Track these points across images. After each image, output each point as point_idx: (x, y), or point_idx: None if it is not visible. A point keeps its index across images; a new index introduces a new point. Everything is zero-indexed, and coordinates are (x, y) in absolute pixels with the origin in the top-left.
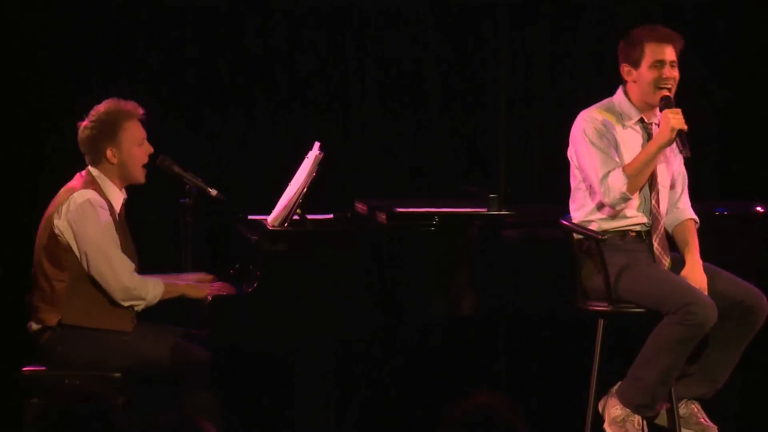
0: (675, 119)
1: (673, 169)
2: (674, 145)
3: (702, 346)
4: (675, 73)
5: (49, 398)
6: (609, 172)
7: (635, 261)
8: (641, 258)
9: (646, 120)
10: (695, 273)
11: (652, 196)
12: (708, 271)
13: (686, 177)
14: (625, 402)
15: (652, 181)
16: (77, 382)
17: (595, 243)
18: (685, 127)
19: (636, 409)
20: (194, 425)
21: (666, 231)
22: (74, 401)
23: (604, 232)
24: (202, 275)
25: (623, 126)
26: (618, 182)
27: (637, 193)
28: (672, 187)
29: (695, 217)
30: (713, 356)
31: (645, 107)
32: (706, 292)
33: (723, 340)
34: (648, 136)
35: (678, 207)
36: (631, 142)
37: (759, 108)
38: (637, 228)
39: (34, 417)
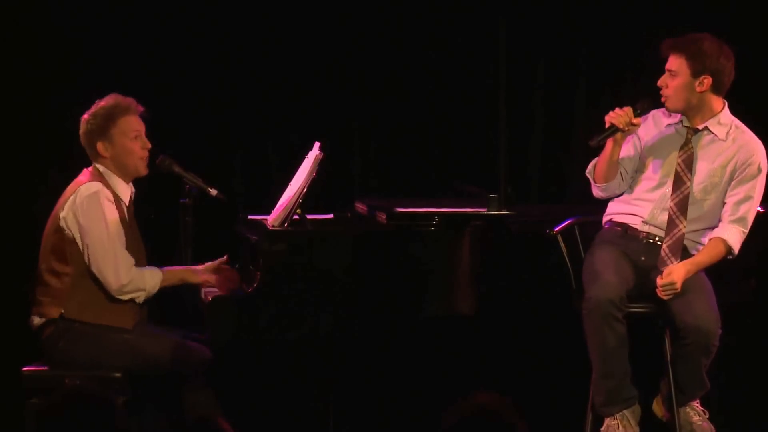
0: (612, 113)
1: (720, 185)
2: (731, 161)
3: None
4: (663, 82)
5: (49, 398)
6: None
7: (608, 251)
8: (628, 252)
9: (687, 122)
10: (670, 274)
11: (672, 197)
12: (690, 287)
13: (747, 205)
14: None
15: (676, 187)
16: (77, 382)
17: (554, 238)
18: (618, 126)
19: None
20: (213, 423)
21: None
22: (74, 401)
23: (610, 221)
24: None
25: (671, 124)
26: (589, 166)
27: (657, 190)
28: (725, 205)
29: (726, 239)
30: (678, 370)
31: (685, 113)
32: (664, 295)
33: (682, 356)
34: (686, 139)
35: (720, 224)
36: (666, 140)
37: (759, 108)
38: (636, 224)
39: (34, 417)
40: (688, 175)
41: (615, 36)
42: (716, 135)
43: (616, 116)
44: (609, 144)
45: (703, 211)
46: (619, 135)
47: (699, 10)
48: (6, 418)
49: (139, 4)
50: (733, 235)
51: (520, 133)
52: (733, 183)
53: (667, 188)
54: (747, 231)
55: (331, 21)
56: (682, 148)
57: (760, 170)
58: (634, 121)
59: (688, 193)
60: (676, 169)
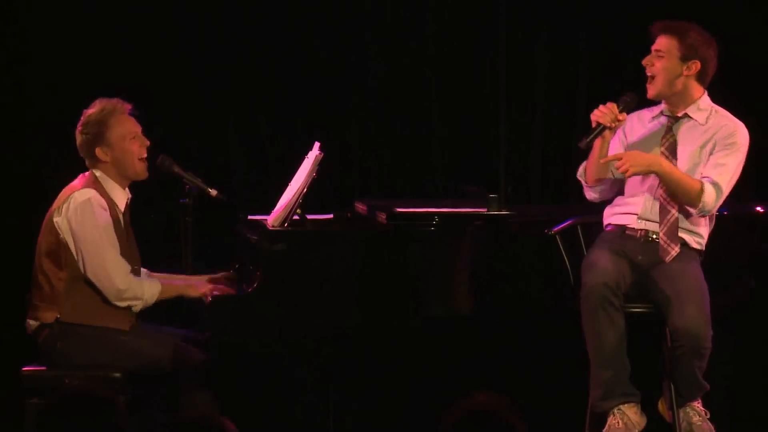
0: (597, 111)
1: (699, 165)
2: (710, 141)
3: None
4: (648, 61)
5: (49, 398)
6: None
7: (605, 248)
8: (626, 251)
9: (667, 111)
10: (642, 153)
11: (660, 185)
12: (682, 290)
13: (720, 170)
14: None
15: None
16: (77, 382)
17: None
18: (604, 123)
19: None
20: (217, 424)
21: (678, 218)
22: (74, 401)
23: (609, 224)
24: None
25: (653, 118)
26: (580, 168)
27: (645, 182)
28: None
29: (704, 184)
30: (674, 372)
31: (666, 98)
32: (621, 163)
33: (675, 358)
34: (667, 127)
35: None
36: (650, 133)
37: (758, 108)
38: (632, 224)
39: (34, 417)
40: (673, 162)
41: (616, 35)
42: (696, 120)
43: (601, 114)
44: (597, 143)
45: None
46: (606, 133)
47: (700, 7)
48: (6, 418)
49: (140, 4)
50: (709, 188)
51: (520, 133)
52: (710, 157)
53: (655, 178)
54: (721, 197)
55: (331, 19)
56: (664, 136)
57: (736, 144)
58: (620, 117)
59: None
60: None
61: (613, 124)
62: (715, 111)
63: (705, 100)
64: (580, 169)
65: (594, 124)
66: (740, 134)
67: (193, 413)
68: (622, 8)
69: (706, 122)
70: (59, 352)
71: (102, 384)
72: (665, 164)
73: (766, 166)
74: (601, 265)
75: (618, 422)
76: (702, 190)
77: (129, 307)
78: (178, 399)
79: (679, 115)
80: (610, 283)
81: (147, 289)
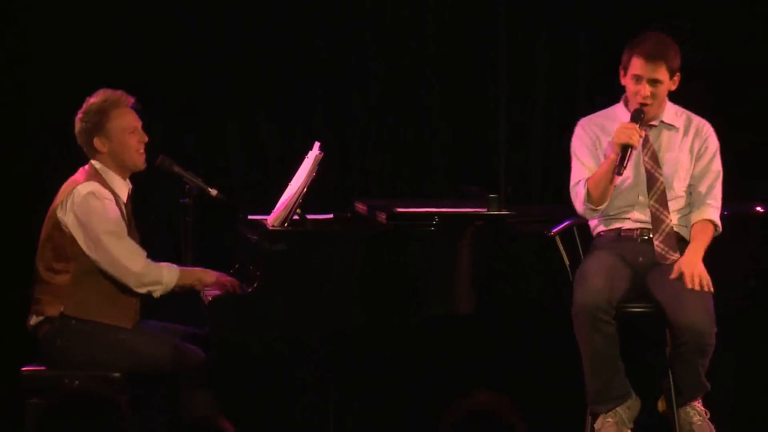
0: (623, 134)
1: (689, 170)
2: (693, 145)
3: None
4: (647, 91)
5: (49, 398)
6: (577, 182)
7: (602, 256)
8: (625, 254)
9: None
10: (686, 263)
11: (650, 196)
12: (685, 287)
13: (718, 182)
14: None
15: (651, 184)
16: (77, 381)
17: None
18: (634, 143)
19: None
20: (212, 423)
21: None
22: (74, 401)
23: (602, 230)
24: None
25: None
26: (580, 194)
27: (632, 193)
28: (693, 188)
29: (713, 219)
30: (676, 371)
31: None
32: (696, 283)
33: (678, 357)
34: (646, 137)
35: (697, 209)
36: None
37: (757, 107)
38: (629, 226)
39: (34, 417)
40: (659, 171)
41: (616, 35)
42: (671, 125)
43: (628, 136)
44: (606, 166)
45: (683, 197)
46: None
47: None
48: (6, 418)
49: (140, 4)
50: (715, 214)
51: (520, 133)
52: (697, 165)
53: (642, 188)
54: (720, 206)
55: (331, 19)
56: (644, 146)
57: (716, 143)
58: (641, 133)
59: (664, 188)
60: (645, 167)
61: (639, 142)
62: (682, 113)
63: (670, 104)
64: (584, 194)
65: (619, 149)
66: (713, 134)
67: (193, 413)
68: (622, 8)
69: (679, 125)
70: (58, 349)
71: (102, 384)
72: (699, 253)
73: (766, 165)
74: (593, 283)
75: (611, 423)
76: (715, 225)
77: (149, 294)
78: (178, 399)
79: (655, 123)
80: (599, 302)
81: (166, 273)
